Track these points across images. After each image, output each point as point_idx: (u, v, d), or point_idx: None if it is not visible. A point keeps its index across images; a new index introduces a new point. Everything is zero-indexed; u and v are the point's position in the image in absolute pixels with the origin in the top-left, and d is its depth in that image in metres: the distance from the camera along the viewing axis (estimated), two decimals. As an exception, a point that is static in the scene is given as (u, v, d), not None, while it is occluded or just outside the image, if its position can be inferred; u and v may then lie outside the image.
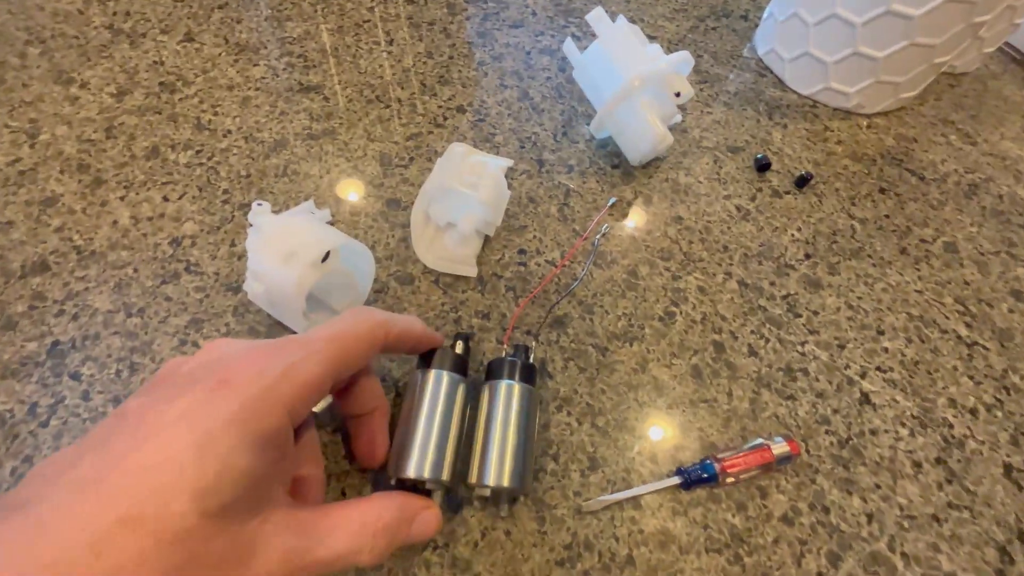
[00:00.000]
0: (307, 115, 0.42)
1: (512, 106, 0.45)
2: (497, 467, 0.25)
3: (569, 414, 0.31)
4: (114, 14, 0.46)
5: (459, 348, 0.29)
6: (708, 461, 0.29)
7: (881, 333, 0.37)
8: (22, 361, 0.30)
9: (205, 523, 0.15)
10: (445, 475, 0.25)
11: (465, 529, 0.27)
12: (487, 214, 0.34)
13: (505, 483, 0.25)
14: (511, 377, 0.28)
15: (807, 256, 0.40)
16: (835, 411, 0.33)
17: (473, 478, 0.26)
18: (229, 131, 0.40)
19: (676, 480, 0.29)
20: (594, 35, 0.39)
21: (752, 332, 0.35)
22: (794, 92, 0.50)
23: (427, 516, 0.23)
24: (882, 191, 0.44)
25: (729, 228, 0.40)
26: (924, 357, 0.36)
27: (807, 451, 0.31)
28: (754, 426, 0.32)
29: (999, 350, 0.37)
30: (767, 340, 0.35)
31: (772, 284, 0.38)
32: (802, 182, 0.43)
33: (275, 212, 0.31)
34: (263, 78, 0.44)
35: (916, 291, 0.39)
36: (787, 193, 0.43)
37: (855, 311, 0.37)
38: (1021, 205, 0.45)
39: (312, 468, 0.23)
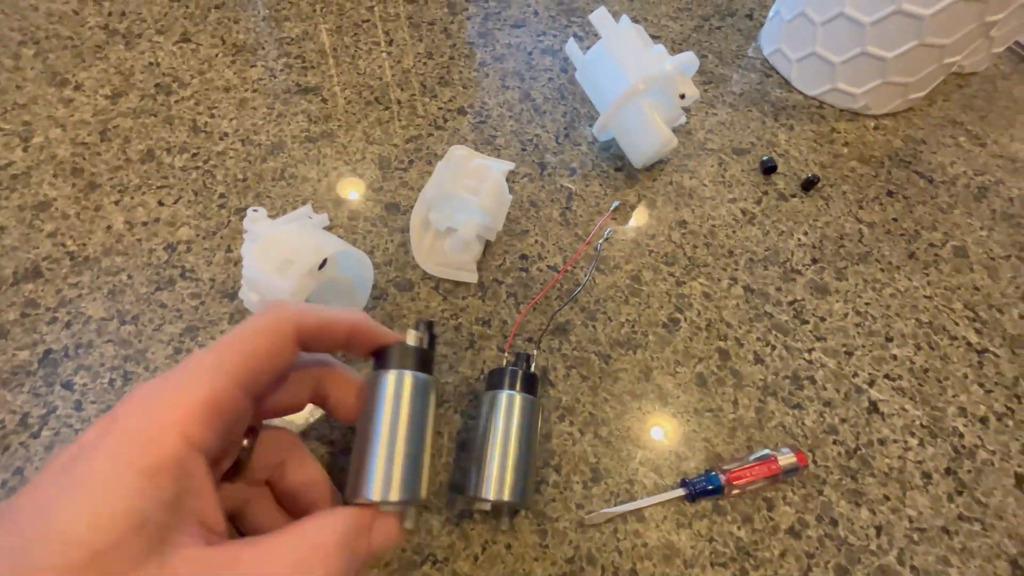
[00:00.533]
0: (305, 117, 0.41)
1: (514, 108, 0.44)
2: (498, 481, 0.25)
3: (571, 424, 0.30)
4: (109, 14, 0.46)
5: (418, 340, 0.24)
6: (713, 473, 0.29)
7: (890, 340, 0.36)
8: (13, 370, 0.29)
9: None
10: (421, 492, 0.22)
11: (465, 543, 0.26)
12: (488, 219, 0.34)
13: (506, 497, 0.25)
14: (512, 387, 0.27)
15: (814, 261, 0.39)
16: (843, 420, 0.32)
17: (473, 491, 0.25)
18: (226, 134, 0.40)
19: (680, 492, 0.28)
20: (597, 35, 0.39)
21: (758, 339, 0.35)
22: (800, 93, 0.50)
23: (385, 523, 0.20)
24: (890, 194, 0.44)
25: (734, 232, 0.40)
26: (933, 365, 0.35)
27: (814, 461, 0.31)
28: (760, 436, 0.31)
29: (1010, 357, 0.36)
30: (773, 347, 0.35)
31: (778, 290, 0.37)
32: (809, 185, 0.42)
33: (272, 217, 0.31)
34: (260, 79, 0.43)
35: (925, 296, 0.38)
36: (793, 196, 0.42)
37: (863, 317, 0.37)
38: (1031, 208, 0.44)
39: (300, 476, 0.22)
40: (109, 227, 0.35)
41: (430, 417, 0.23)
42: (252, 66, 0.44)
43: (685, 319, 0.35)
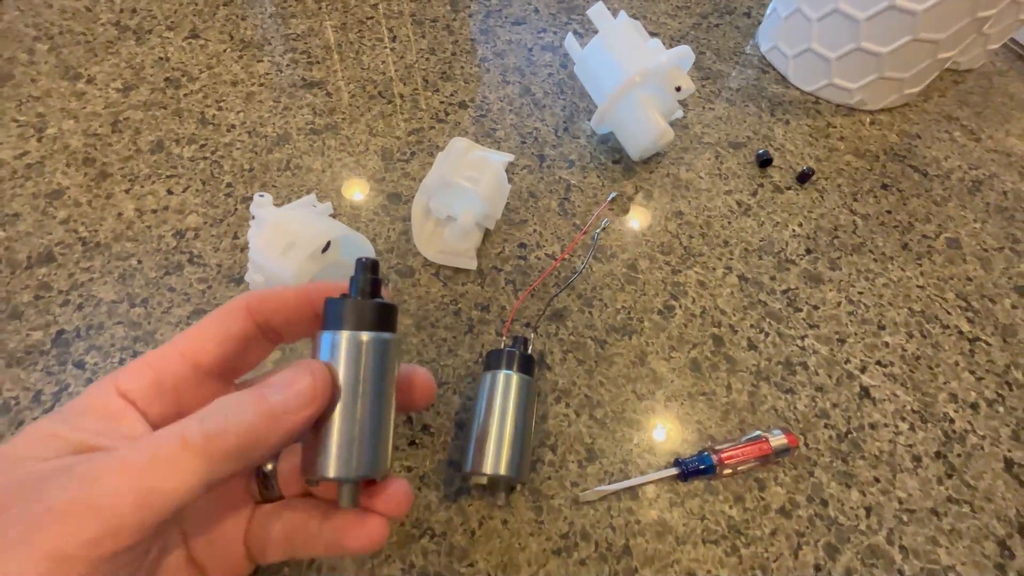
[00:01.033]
0: (310, 110, 0.42)
1: (514, 102, 0.45)
2: (494, 456, 0.26)
3: (567, 406, 0.31)
4: (121, 11, 0.47)
5: (363, 284, 0.20)
6: (706, 453, 0.29)
7: (882, 328, 0.36)
8: (27, 349, 0.30)
9: None
10: (377, 468, 0.19)
11: (463, 518, 0.27)
12: (487, 208, 0.35)
13: (502, 472, 0.25)
14: (509, 367, 0.28)
15: (808, 251, 0.40)
16: (834, 405, 0.33)
17: (471, 466, 0.26)
18: (233, 126, 0.41)
19: (673, 471, 0.29)
20: (595, 31, 0.39)
21: (752, 326, 0.35)
22: (797, 88, 0.50)
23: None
24: (884, 187, 0.44)
25: (730, 223, 0.40)
26: (925, 352, 0.36)
27: (805, 444, 0.31)
28: (753, 419, 0.32)
29: (1001, 346, 0.37)
30: (767, 334, 0.35)
31: (772, 279, 0.38)
32: (804, 178, 0.43)
33: (277, 205, 0.32)
34: (267, 74, 0.44)
35: (918, 286, 0.39)
36: (788, 189, 0.43)
37: (856, 306, 0.37)
38: (1025, 201, 0.45)
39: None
40: (120, 214, 0.36)
41: (375, 385, 0.19)
42: (259, 61, 0.45)
43: (680, 306, 0.36)
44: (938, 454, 0.32)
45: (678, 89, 0.38)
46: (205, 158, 0.39)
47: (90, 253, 0.34)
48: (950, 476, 0.31)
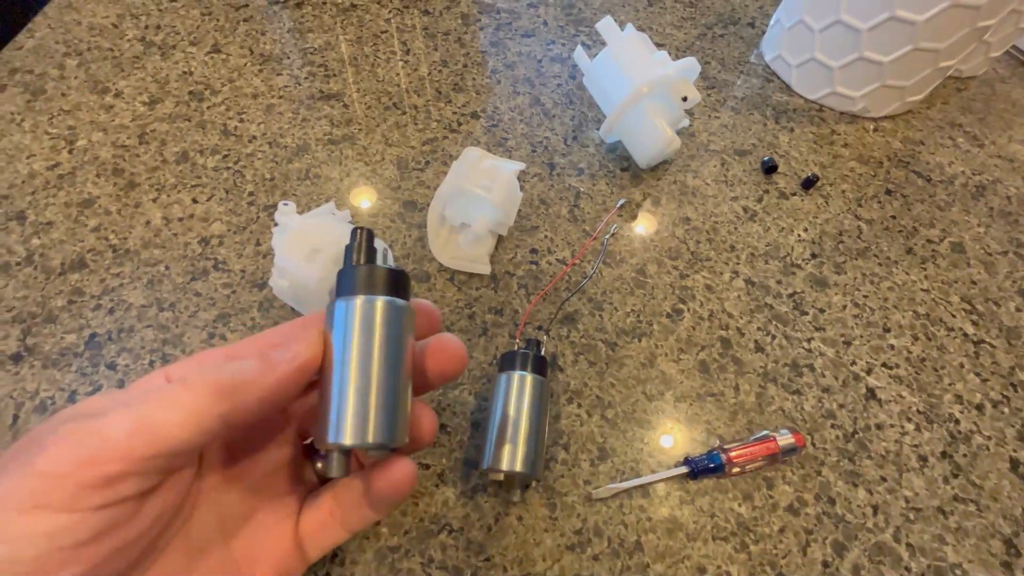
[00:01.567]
0: (328, 121, 0.44)
1: (524, 112, 0.46)
2: (510, 453, 0.27)
3: (579, 406, 0.32)
4: (146, 27, 0.49)
5: (356, 252, 0.20)
6: (715, 451, 0.30)
7: (887, 331, 0.37)
8: (62, 352, 0.32)
9: None
10: (367, 436, 0.18)
11: (479, 514, 0.28)
12: (500, 215, 0.36)
13: (518, 468, 0.26)
14: (523, 368, 0.29)
15: (813, 256, 0.40)
16: (841, 406, 0.34)
17: (488, 463, 0.27)
18: (254, 137, 0.42)
19: (683, 469, 0.30)
20: (604, 43, 0.41)
21: (759, 329, 0.36)
22: (800, 97, 0.51)
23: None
24: (888, 192, 0.45)
25: (736, 228, 0.41)
26: (930, 354, 0.36)
27: (813, 444, 0.32)
28: (760, 419, 0.33)
29: (1006, 348, 0.37)
30: (773, 337, 0.36)
31: (778, 283, 0.39)
32: (808, 184, 0.44)
33: (298, 214, 0.33)
34: (286, 87, 0.46)
35: (923, 290, 0.39)
36: (793, 195, 0.44)
37: (861, 309, 0.38)
38: (1029, 206, 0.46)
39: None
40: (148, 222, 0.37)
41: (375, 353, 0.19)
42: (278, 74, 0.47)
43: (688, 310, 0.37)
44: (944, 454, 0.32)
45: (684, 99, 0.39)
46: (228, 168, 0.40)
47: (120, 259, 0.35)
48: (956, 476, 0.32)
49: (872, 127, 0.50)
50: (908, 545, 0.29)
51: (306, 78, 0.47)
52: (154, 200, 0.38)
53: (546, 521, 0.28)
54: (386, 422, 0.19)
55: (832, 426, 0.33)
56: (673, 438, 0.32)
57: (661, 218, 0.41)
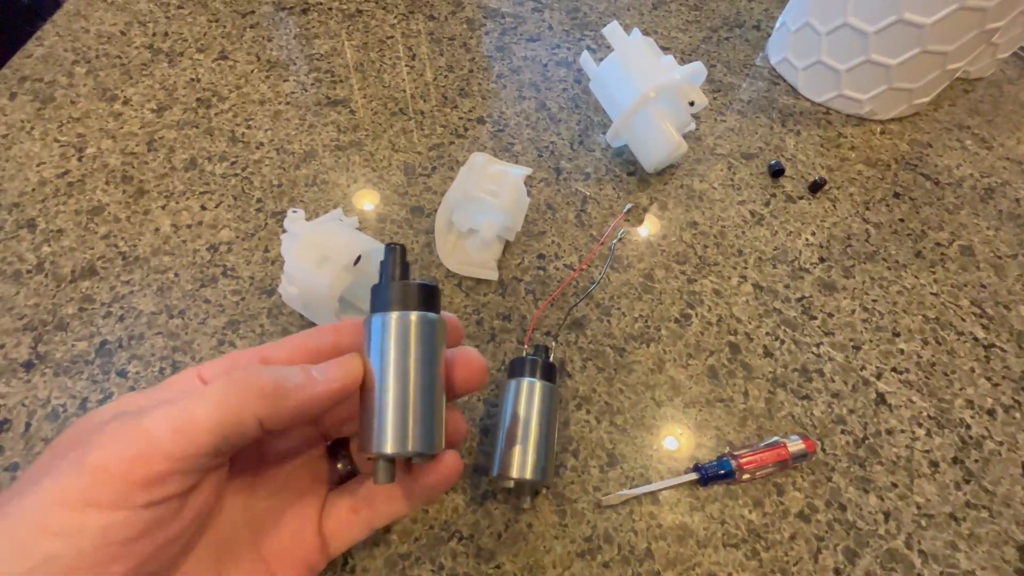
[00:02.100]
0: (334, 128, 0.44)
1: (530, 117, 0.47)
2: (520, 461, 0.26)
3: (588, 412, 0.32)
4: (154, 35, 0.49)
5: (391, 268, 0.21)
6: (725, 458, 0.30)
7: (896, 335, 0.37)
8: (73, 359, 0.32)
9: None
10: (408, 445, 0.19)
11: (489, 521, 0.28)
12: (507, 220, 0.36)
13: (528, 475, 0.26)
14: (532, 375, 0.29)
15: (821, 260, 0.40)
16: (851, 411, 0.34)
17: (498, 471, 0.27)
18: (261, 143, 0.42)
19: (693, 476, 0.30)
20: (610, 48, 0.41)
21: (767, 334, 0.36)
22: (807, 100, 0.51)
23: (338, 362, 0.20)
24: (896, 196, 0.45)
25: (743, 233, 0.41)
26: (940, 359, 0.36)
27: (823, 450, 0.32)
28: (770, 425, 0.33)
29: (1017, 352, 0.37)
30: (782, 341, 0.36)
31: (787, 287, 0.39)
32: (816, 187, 0.44)
33: (306, 220, 0.33)
34: (293, 93, 0.46)
35: (932, 294, 0.39)
36: (801, 198, 0.44)
37: (870, 313, 0.38)
38: (1038, 208, 0.45)
39: None
40: (157, 229, 0.37)
41: (415, 363, 0.20)
42: (285, 81, 0.47)
43: (696, 315, 0.37)
44: (955, 459, 0.32)
45: (691, 104, 0.39)
46: (236, 175, 0.41)
47: (130, 267, 0.35)
48: (968, 481, 0.32)
49: (879, 130, 0.50)
50: (920, 552, 0.29)
51: (312, 84, 0.47)
52: (163, 207, 0.38)
53: (556, 528, 0.28)
54: (425, 431, 0.20)
55: (842, 431, 0.33)
56: (682, 444, 0.32)
57: (668, 223, 0.41)
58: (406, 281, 0.21)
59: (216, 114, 0.44)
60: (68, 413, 0.30)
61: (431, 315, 0.21)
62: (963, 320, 0.38)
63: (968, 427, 0.34)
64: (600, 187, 0.42)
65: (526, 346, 0.34)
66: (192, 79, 0.46)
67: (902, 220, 0.43)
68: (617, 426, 0.32)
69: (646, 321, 0.36)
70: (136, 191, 0.39)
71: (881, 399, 0.34)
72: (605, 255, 0.39)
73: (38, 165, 0.40)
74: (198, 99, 0.45)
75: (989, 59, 0.54)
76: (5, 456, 0.28)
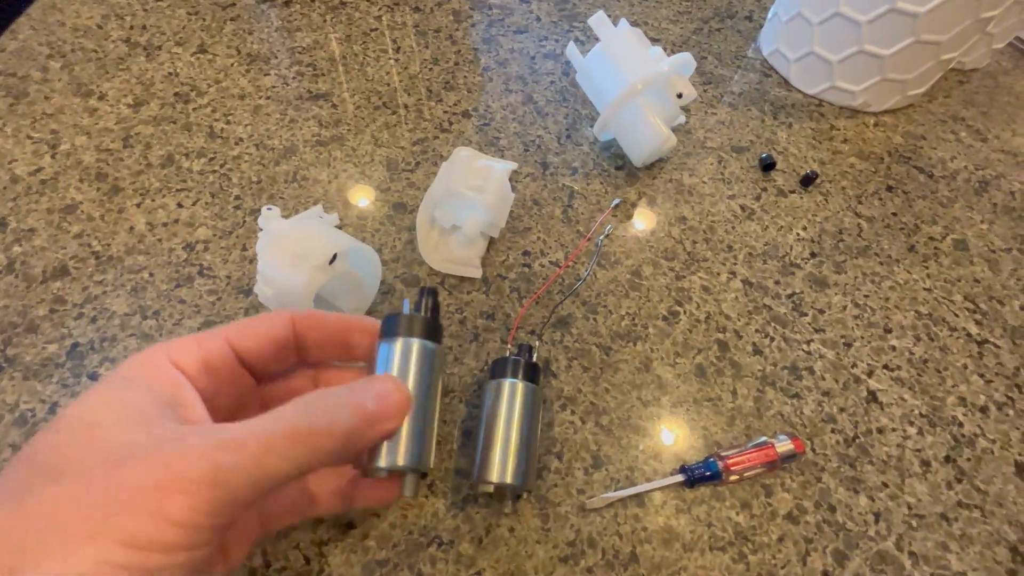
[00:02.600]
0: (316, 122, 0.43)
1: (517, 110, 0.46)
2: (500, 465, 0.26)
3: (573, 413, 0.31)
4: (131, 28, 0.48)
5: (417, 308, 0.25)
6: (711, 459, 0.29)
7: (888, 331, 0.36)
8: (43, 362, 0.31)
9: None
10: (426, 461, 0.23)
11: (469, 526, 0.27)
12: (491, 216, 0.35)
13: (508, 480, 0.25)
14: (514, 376, 0.28)
15: (813, 255, 0.40)
16: (841, 410, 0.33)
17: (477, 475, 0.26)
18: (241, 139, 0.41)
19: (680, 478, 0.29)
20: (597, 39, 0.40)
21: (757, 331, 0.35)
22: (799, 91, 0.50)
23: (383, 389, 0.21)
24: (889, 189, 0.44)
25: (733, 228, 0.40)
26: (933, 355, 0.36)
27: (813, 449, 0.31)
28: (759, 425, 0.32)
29: (1011, 348, 0.36)
30: (772, 339, 0.35)
31: (777, 283, 0.38)
32: (807, 181, 0.43)
33: (285, 217, 0.32)
34: (273, 87, 0.45)
35: (925, 289, 0.39)
36: (792, 192, 0.43)
37: (862, 309, 0.37)
38: (1033, 201, 0.45)
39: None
40: (131, 228, 0.36)
41: (436, 388, 0.24)
42: (266, 74, 0.46)
43: (684, 312, 0.36)
44: (947, 458, 0.32)
45: (679, 96, 0.38)
46: (214, 171, 0.40)
47: (103, 267, 0.35)
48: (960, 481, 0.31)
49: (872, 122, 0.49)
50: (911, 553, 0.29)
51: (294, 78, 0.46)
52: (138, 205, 0.37)
53: (538, 532, 0.28)
54: (430, 452, 0.24)
55: (832, 431, 0.32)
56: (669, 445, 0.31)
57: (657, 218, 0.40)
58: (428, 316, 0.25)
59: (194, 109, 0.43)
60: (37, 418, 0.29)
61: (442, 346, 0.25)
62: (956, 316, 0.38)
63: (960, 425, 0.33)
64: (588, 182, 0.42)
65: (510, 345, 0.33)
66: (170, 73, 0.45)
67: (895, 214, 0.43)
68: (602, 427, 0.31)
69: (633, 319, 0.35)
70: (111, 189, 0.38)
71: (872, 397, 0.34)
72: (592, 251, 0.38)
73: (10, 162, 0.39)
74: (176, 94, 0.44)
75: (984, 49, 0.53)
76: (-29, 463, 0.28)
